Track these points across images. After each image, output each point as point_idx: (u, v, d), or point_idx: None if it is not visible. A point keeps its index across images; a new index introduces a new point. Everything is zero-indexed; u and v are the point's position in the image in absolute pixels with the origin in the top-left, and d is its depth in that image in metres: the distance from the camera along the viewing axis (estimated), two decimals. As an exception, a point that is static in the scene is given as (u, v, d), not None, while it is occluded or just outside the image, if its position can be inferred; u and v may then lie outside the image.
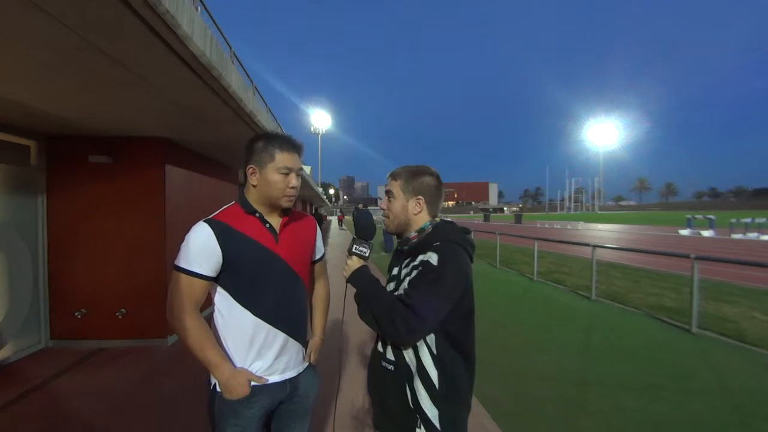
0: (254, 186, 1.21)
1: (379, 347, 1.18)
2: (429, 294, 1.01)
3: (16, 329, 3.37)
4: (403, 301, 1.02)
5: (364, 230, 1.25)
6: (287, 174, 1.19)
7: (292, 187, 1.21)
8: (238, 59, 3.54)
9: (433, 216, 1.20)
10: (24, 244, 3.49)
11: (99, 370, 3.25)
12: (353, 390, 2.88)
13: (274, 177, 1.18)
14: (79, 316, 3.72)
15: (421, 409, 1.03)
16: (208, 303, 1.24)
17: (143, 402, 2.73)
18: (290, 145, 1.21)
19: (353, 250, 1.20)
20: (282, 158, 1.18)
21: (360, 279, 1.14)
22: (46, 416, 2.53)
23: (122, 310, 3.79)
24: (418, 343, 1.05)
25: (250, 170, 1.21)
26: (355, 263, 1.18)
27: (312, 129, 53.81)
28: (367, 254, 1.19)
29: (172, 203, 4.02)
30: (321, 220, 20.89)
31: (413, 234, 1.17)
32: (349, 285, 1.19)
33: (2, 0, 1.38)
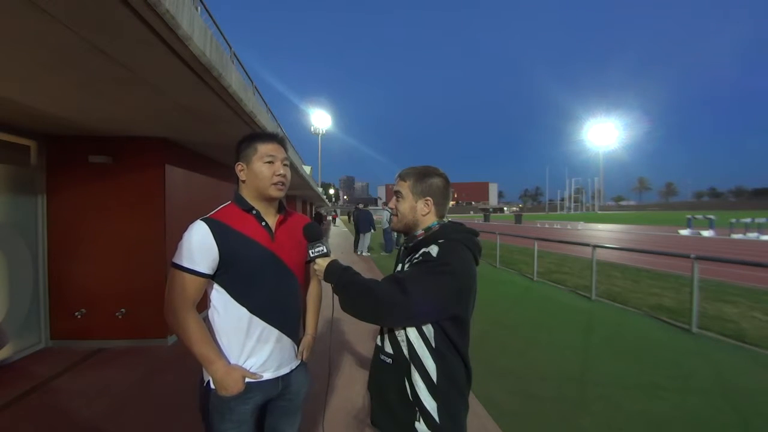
0: (244, 181, 1.27)
1: (378, 341, 1.19)
2: (421, 275, 1.02)
3: (16, 329, 3.37)
4: (395, 277, 1.04)
5: (311, 233, 1.25)
6: (272, 162, 1.24)
7: (279, 174, 1.24)
8: (238, 59, 3.53)
9: (441, 216, 1.21)
10: (24, 244, 3.49)
11: (99, 370, 3.25)
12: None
13: (260, 168, 1.23)
14: (79, 316, 3.72)
15: (420, 401, 1.03)
16: (205, 304, 1.24)
17: (143, 402, 2.73)
18: (271, 136, 1.28)
19: (311, 255, 1.22)
20: (264, 148, 1.24)
21: (334, 271, 1.14)
22: (46, 416, 2.53)
23: (122, 310, 3.79)
24: (415, 336, 1.05)
25: (239, 167, 1.27)
26: (323, 262, 1.18)
27: (312, 129, 53.68)
28: (325, 250, 1.21)
29: (172, 203, 4.02)
30: (321, 220, 20.88)
31: (420, 232, 1.19)
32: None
33: (2, 0, 1.38)
